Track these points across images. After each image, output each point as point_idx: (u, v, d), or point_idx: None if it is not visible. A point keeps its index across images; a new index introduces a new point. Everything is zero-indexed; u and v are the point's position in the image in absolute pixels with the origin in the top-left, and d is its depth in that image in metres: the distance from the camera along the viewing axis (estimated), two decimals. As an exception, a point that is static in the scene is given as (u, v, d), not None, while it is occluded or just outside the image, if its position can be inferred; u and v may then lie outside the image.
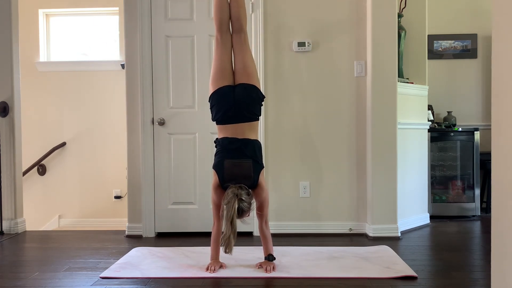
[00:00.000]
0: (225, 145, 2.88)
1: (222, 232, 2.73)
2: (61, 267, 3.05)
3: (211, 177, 2.93)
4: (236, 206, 2.66)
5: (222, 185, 2.83)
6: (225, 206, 2.72)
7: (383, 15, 3.79)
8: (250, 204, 2.77)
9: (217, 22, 2.98)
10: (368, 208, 3.91)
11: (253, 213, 2.88)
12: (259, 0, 3.92)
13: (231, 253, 2.70)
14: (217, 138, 2.97)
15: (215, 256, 2.94)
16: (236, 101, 2.86)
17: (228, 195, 2.72)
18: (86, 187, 5.72)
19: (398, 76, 3.97)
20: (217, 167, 2.85)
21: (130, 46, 3.97)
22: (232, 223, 2.65)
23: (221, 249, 2.74)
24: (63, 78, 5.73)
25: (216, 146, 2.95)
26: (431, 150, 4.60)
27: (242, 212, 2.72)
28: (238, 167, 2.81)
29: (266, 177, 3.74)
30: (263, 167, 2.92)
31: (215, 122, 2.96)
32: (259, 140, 2.98)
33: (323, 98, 3.98)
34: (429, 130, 4.50)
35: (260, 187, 2.86)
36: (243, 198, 2.71)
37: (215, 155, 2.92)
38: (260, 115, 2.99)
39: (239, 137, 2.87)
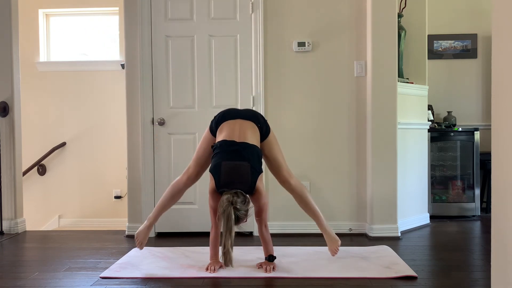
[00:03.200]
0: (223, 147, 2.81)
1: (222, 239, 2.66)
2: (61, 267, 3.05)
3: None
4: (233, 217, 2.60)
5: (218, 189, 2.74)
6: (221, 215, 2.64)
7: (383, 15, 3.79)
8: (246, 211, 2.69)
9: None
10: (368, 208, 3.91)
11: (252, 211, 2.85)
12: (259, 0, 3.93)
13: (231, 265, 2.66)
14: (214, 143, 2.93)
15: (214, 256, 2.94)
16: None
17: (223, 203, 2.63)
18: (86, 187, 5.72)
19: (398, 76, 3.97)
20: (214, 170, 2.77)
21: (130, 46, 3.97)
22: (230, 234, 2.60)
23: (221, 256, 2.70)
24: (63, 78, 5.73)
25: (213, 150, 2.89)
26: (431, 150, 4.60)
27: (238, 220, 2.66)
28: (235, 169, 2.72)
29: (266, 177, 3.73)
30: (261, 172, 2.83)
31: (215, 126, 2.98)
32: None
33: (323, 98, 3.98)
34: (429, 130, 4.50)
35: (259, 193, 2.79)
36: (238, 207, 2.62)
37: (212, 158, 2.85)
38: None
39: (238, 140, 2.82)
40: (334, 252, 3.04)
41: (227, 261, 2.63)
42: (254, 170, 2.76)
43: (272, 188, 3.94)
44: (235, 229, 2.66)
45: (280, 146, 2.93)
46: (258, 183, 2.78)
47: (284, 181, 3.04)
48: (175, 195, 3.09)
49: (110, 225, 5.18)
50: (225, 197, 2.65)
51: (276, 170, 3.04)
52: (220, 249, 2.70)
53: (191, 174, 3.04)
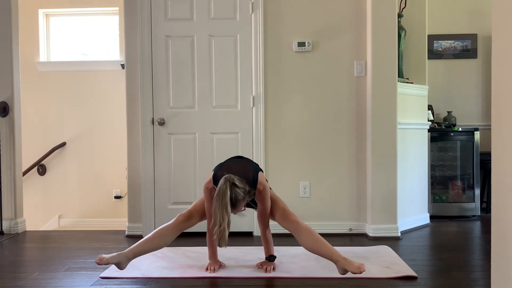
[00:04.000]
0: (227, 159, 2.94)
1: (216, 217, 2.51)
2: (61, 267, 3.05)
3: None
4: (229, 193, 2.49)
5: (215, 178, 2.70)
6: (216, 196, 2.53)
7: (383, 15, 3.79)
8: (244, 192, 2.59)
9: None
10: (368, 208, 3.91)
11: (249, 200, 2.77)
12: (259, 0, 3.92)
13: (225, 246, 2.53)
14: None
15: (213, 256, 2.94)
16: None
17: (220, 183, 2.55)
18: (86, 187, 5.72)
19: (398, 76, 3.97)
20: (216, 167, 2.82)
21: (130, 46, 3.97)
22: (227, 211, 2.48)
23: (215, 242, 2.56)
24: (63, 78, 5.73)
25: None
26: (431, 150, 4.60)
27: (236, 201, 2.55)
28: (237, 164, 2.79)
29: (266, 177, 3.74)
30: (261, 170, 2.85)
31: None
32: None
33: (323, 98, 3.98)
34: (429, 130, 4.51)
35: (265, 190, 2.77)
36: (236, 183, 2.54)
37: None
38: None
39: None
40: (362, 270, 2.53)
41: (221, 241, 2.49)
42: (254, 166, 2.83)
43: (272, 189, 3.94)
44: (233, 214, 2.57)
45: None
46: (261, 178, 2.77)
47: (288, 214, 2.83)
48: (160, 234, 2.80)
49: (110, 225, 5.18)
50: (222, 177, 2.58)
51: (282, 211, 2.84)
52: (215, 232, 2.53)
53: (184, 212, 2.87)
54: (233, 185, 2.54)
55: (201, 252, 3.30)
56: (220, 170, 2.74)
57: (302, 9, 3.97)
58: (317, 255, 2.77)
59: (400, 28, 4.20)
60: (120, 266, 2.70)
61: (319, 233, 3.88)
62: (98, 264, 2.64)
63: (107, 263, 2.65)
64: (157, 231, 2.85)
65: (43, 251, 3.57)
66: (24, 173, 5.22)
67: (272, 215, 2.87)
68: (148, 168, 3.97)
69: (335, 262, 2.62)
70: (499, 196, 1.85)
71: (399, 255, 3.20)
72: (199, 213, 2.87)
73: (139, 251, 2.76)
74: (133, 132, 4.00)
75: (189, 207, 2.93)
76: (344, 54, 3.97)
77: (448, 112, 4.94)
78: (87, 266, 3.08)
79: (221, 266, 2.93)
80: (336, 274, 2.78)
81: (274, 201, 2.87)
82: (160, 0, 3.96)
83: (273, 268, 2.88)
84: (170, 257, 3.21)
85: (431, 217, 4.44)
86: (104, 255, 2.68)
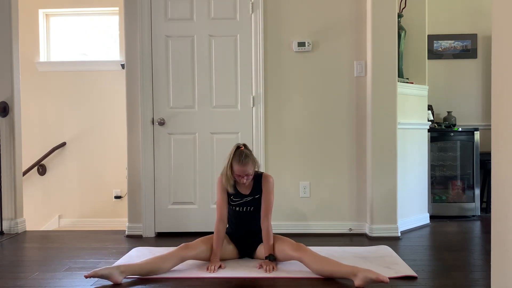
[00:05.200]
0: None
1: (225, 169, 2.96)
2: (61, 267, 3.05)
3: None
4: (238, 147, 2.93)
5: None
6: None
7: (383, 15, 3.79)
8: (254, 159, 2.96)
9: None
10: (368, 208, 3.91)
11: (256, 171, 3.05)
12: (259, 0, 3.92)
13: (230, 190, 2.98)
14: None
15: (215, 255, 2.95)
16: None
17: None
18: (86, 187, 5.72)
19: (398, 76, 3.97)
20: None
21: (130, 46, 3.97)
22: (231, 162, 2.91)
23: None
24: (63, 78, 5.73)
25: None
26: (431, 150, 4.59)
27: (245, 158, 2.89)
28: None
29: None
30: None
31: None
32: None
33: (323, 98, 3.98)
34: (429, 130, 4.50)
35: (270, 179, 3.05)
36: (247, 147, 2.98)
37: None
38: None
39: None
40: (382, 275, 2.53)
41: (229, 187, 2.97)
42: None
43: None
44: (242, 183, 2.96)
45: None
46: (264, 173, 3.12)
47: (300, 245, 2.89)
48: (160, 257, 2.87)
49: (110, 225, 5.17)
50: None
51: (294, 244, 2.92)
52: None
53: (186, 243, 2.98)
54: (244, 147, 2.97)
55: (201, 252, 3.30)
56: None
57: (302, 9, 3.97)
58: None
59: (400, 28, 4.20)
60: (113, 278, 2.65)
61: (319, 233, 3.92)
62: (86, 277, 2.63)
63: (95, 274, 2.63)
64: (158, 255, 2.92)
65: (43, 251, 3.57)
66: (24, 173, 5.21)
67: (284, 251, 2.91)
68: (148, 168, 3.97)
69: (356, 273, 2.57)
70: (499, 196, 1.85)
71: (399, 255, 3.20)
72: (196, 249, 2.93)
73: (136, 269, 2.77)
74: (133, 132, 4.00)
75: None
76: (344, 54, 3.97)
77: (448, 112, 4.94)
78: (87, 266, 3.08)
79: (220, 266, 2.93)
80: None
81: (282, 239, 3.00)
82: (160, 0, 3.96)
83: (273, 268, 2.88)
84: (170, 257, 3.21)
85: (431, 217, 4.44)
86: (103, 270, 2.66)
